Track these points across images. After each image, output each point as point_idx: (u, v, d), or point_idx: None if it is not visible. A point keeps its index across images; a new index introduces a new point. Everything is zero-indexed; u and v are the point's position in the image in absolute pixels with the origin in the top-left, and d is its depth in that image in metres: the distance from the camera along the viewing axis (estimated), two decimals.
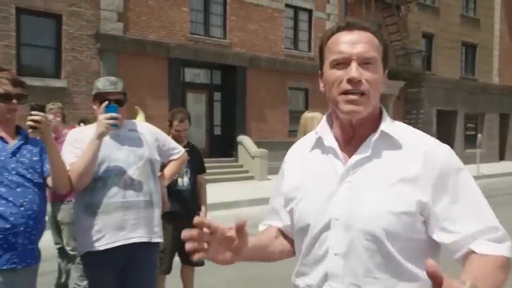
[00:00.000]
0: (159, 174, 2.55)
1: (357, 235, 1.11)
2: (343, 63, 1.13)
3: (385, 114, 1.21)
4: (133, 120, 2.57)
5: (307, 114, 3.43)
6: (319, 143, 1.24)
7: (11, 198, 2.00)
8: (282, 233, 1.35)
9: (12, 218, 1.99)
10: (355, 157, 1.16)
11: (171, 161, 2.68)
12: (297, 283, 1.23)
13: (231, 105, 13.66)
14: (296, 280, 1.24)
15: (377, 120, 1.19)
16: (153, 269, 2.46)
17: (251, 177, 12.65)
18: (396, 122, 1.22)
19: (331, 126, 1.24)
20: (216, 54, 12.98)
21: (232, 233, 1.04)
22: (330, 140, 1.21)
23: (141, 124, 2.56)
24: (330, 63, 1.15)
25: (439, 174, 1.10)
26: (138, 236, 2.29)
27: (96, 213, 2.24)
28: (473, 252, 1.06)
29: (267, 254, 1.30)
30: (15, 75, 2.17)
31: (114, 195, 2.25)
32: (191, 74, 13.41)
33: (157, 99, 11.79)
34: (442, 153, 1.14)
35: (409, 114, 18.33)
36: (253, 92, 13.74)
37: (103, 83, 2.38)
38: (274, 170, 13.04)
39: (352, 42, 1.14)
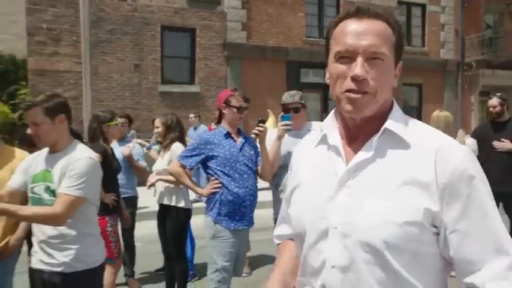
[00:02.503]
0: None
1: (355, 246, 0.99)
2: (347, 57, 1.01)
3: (395, 110, 1.08)
4: (312, 122, 3.45)
5: (439, 114, 3.96)
6: (324, 140, 1.14)
7: (241, 182, 2.99)
8: None
9: (242, 196, 2.97)
10: (357, 158, 1.04)
11: None
12: None
13: None
14: None
15: (386, 117, 1.06)
16: None
17: None
18: (411, 118, 1.11)
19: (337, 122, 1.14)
20: None
21: None
22: (334, 138, 1.11)
23: (317, 124, 3.42)
24: (334, 55, 1.04)
25: (450, 180, 0.95)
26: None
27: (283, 191, 3.13)
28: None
29: None
30: (243, 94, 3.18)
31: None
32: (307, 75, 14.24)
33: (277, 99, 12.77)
34: (455, 156, 0.98)
35: None
36: None
37: (285, 97, 3.30)
38: None
39: (360, 33, 1.00)
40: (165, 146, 3.80)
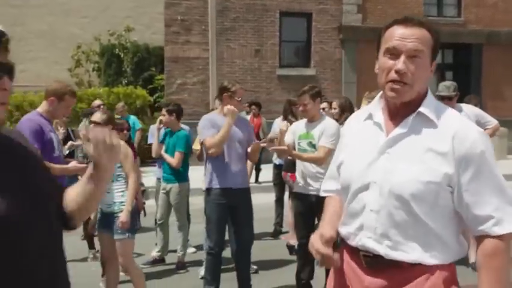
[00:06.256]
0: None
1: (389, 196, 1.30)
2: (394, 54, 1.30)
3: (429, 97, 1.37)
4: (461, 104, 3.95)
5: None
6: (370, 117, 1.45)
7: None
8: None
9: None
10: (395, 132, 1.35)
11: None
12: (341, 230, 1.48)
13: (463, 83, 13.51)
14: (341, 228, 1.48)
15: (421, 102, 1.35)
16: None
17: None
18: (441, 104, 1.40)
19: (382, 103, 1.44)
20: (449, 33, 13.03)
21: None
22: (379, 116, 1.41)
23: (466, 107, 3.92)
24: (383, 52, 1.33)
25: (466, 152, 1.26)
26: None
27: None
28: (485, 236, 1.27)
29: None
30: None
31: None
32: None
33: None
34: (472, 135, 1.29)
35: None
36: (489, 69, 13.29)
37: (441, 87, 3.77)
38: None
39: (405, 37, 1.29)
40: (341, 123, 4.48)
